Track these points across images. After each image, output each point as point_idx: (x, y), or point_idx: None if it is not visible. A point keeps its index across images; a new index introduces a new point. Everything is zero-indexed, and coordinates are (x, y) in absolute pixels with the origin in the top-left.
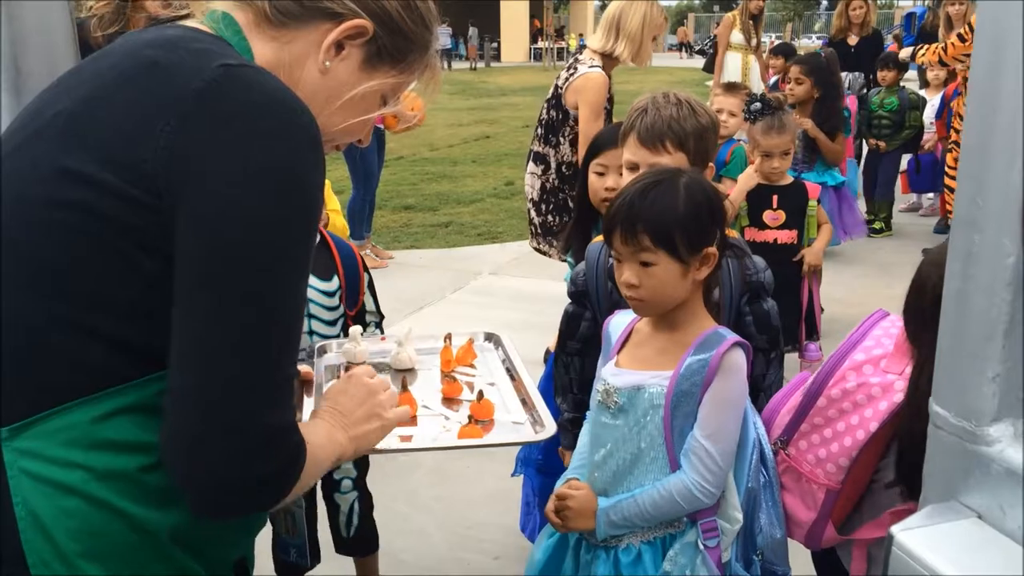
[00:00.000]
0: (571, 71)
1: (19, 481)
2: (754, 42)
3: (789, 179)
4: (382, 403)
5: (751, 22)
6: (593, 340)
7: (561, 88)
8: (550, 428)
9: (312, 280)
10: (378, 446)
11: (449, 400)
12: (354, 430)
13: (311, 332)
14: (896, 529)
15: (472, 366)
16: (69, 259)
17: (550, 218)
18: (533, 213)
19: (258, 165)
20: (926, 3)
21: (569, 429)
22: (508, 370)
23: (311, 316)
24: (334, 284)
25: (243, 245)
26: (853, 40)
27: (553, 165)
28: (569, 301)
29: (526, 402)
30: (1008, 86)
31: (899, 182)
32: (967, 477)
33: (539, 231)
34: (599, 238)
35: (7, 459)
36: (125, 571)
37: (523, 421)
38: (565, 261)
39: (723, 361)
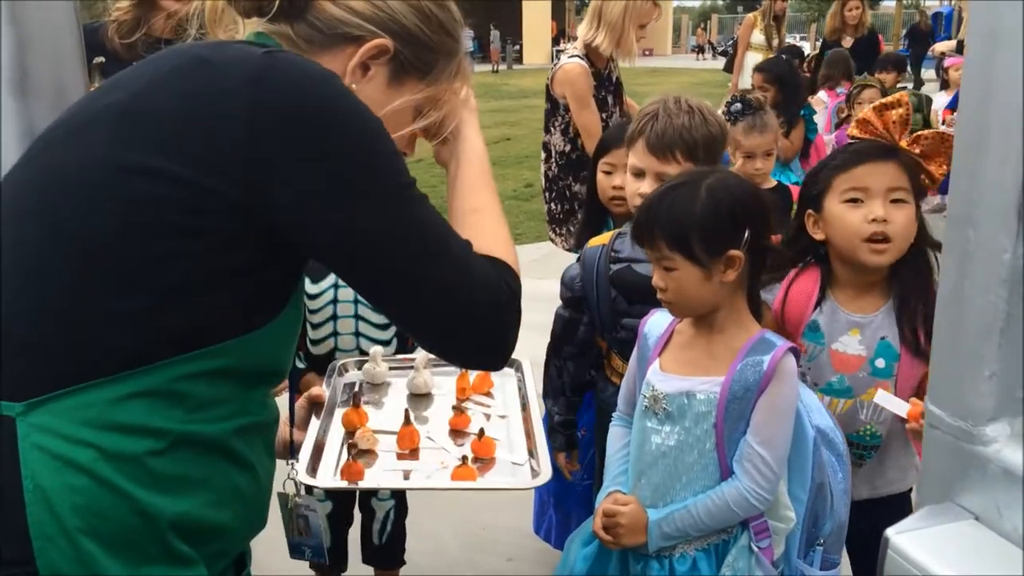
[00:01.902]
0: (556, 61)
1: (30, 455)
2: (775, 43)
3: (773, 182)
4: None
5: (774, 23)
6: (589, 344)
7: (549, 79)
8: (545, 475)
9: None
10: (373, 484)
11: (456, 432)
12: (472, 126)
13: (358, 334)
14: (891, 532)
15: (489, 395)
16: (111, 242)
17: (553, 206)
18: (544, 202)
19: (328, 131)
20: (952, 2)
21: (561, 431)
22: (523, 401)
23: (358, 317)
24: None
25: (358, 203)
26: (848, 42)
27: (553, 154)
28: (562, 305)
29: (530, 437)
30: (1003, 80)
31: None
32: (964, 478)
33: (547, 219)
34: (596, 240)
35: (20, 432)
36: (123, 552)
37: (522, 463)
38: (571, 252)
39: (778, 367)
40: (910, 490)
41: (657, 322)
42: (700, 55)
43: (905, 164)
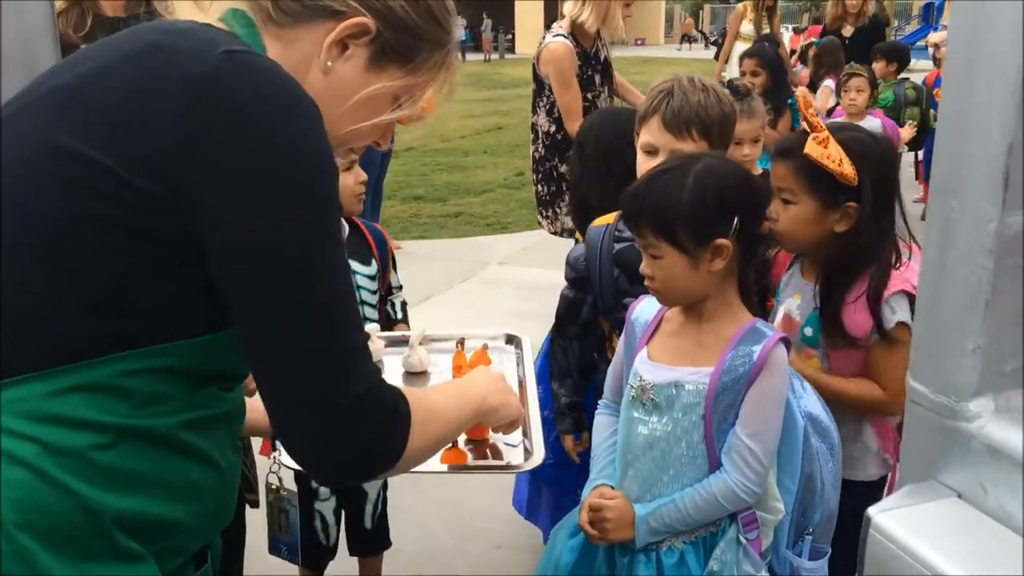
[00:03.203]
0: (542, 40)
1: None
2: (764, 34)
3: (759, 170)
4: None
5: (766, 13)
6: (593, 325)
7: (535, 59)
8: (538, 456)
9: (356, 266)
10: None
11: None
12: (497, 387)
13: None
14: (873, 511)
15: None
16: (48, 230)
17: (540, 188)
18: (532, 184)
19: (268, 151)
20: None
21: (568, 413)
22: (520, 379)
23: (362, 303)
24: (373, 268)
25: (270, 236)
26: (848, 31)
27: (540, 135)
28: (567, 285)
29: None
30: (987, 48)
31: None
32: (946, 455)
33: (535, 202)
34: (601, 220)
35: None
36: (63, 548)
37: (516, 443)
38: (556, 234)
39: (769, 357)
40: (876, 481)
41: (646, 308)
42: (684, 44)
43: (800, 164)
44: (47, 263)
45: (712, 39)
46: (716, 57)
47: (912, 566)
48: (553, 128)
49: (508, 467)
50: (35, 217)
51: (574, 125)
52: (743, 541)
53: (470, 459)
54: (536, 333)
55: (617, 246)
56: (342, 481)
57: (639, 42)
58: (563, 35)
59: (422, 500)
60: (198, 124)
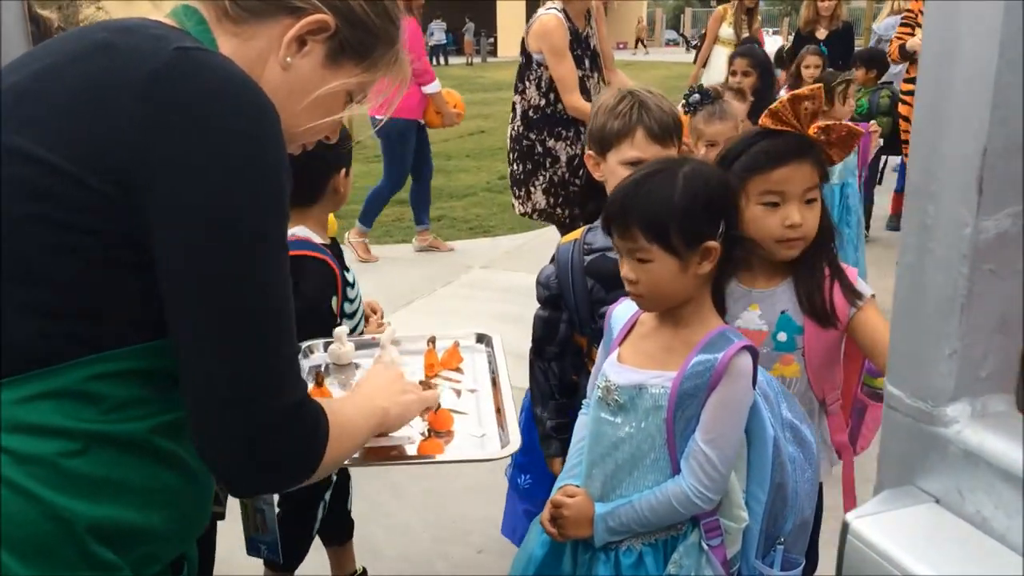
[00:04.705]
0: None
1: None
2: (745, 37)
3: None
4: (413, 384)
5: (745, 17)
6: (569, 342)
7: (525, 33)
8: (514, 443)
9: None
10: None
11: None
12: (396, 398)
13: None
14: (851, 516)
15: (459, 370)
16: (6, 234)
17: (515, 167)
18: (508, 164)
19: (221, 149)
20: None
21: (554, 436)
22: (492, 375)
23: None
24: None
25: (218, 234)
26: (822, 34)
27: (519, 112)
28: (540, 307)
29: (500, 411)
30: (962, 49)
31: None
32: (924, 460)
33: (509, 182)
34: (568, 237)
35: None
36: (35, 559)
37: (485, 434)
38: (526, 215)
39: (730, 365)
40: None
41: (622, 311)
42: (640, 48)
43: (817, 160)
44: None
45: (692, 43)
46: (696, 62)
47: (889, 571)
48: (543, 102)
49: (486, 459)
50: None
51: (570, 97)
52: (705, 547)
53: (445, 450)
54: (518, 336)
55: (587, 259)
56: (253, 492)
57: (620, 46)
58: (556, 9)
59: (403, 503)
60: (150, 122)
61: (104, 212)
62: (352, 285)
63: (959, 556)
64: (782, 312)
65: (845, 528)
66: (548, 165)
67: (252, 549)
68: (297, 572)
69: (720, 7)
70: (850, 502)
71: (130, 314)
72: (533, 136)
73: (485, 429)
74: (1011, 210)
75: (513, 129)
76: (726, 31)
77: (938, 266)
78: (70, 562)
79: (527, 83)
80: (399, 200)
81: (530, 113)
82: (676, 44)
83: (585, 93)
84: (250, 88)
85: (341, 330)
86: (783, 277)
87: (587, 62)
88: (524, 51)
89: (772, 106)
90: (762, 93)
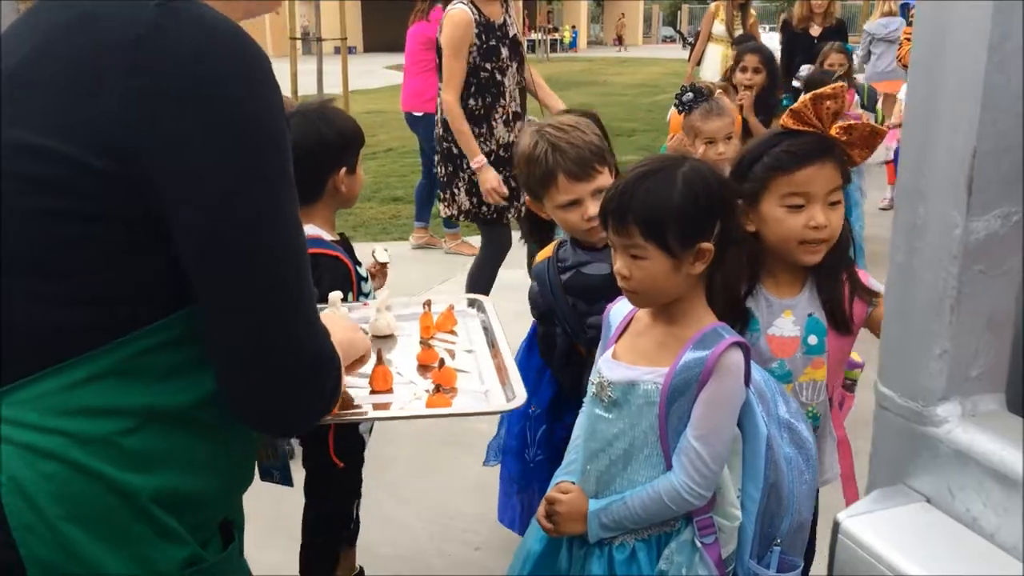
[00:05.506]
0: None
1: None
2: (738, 34)
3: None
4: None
5: (738, 13)
6: (570, 353)
7: (439, 30)
8: (520, 397)
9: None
10: (350, 416)
11: (424, 367)
12: (351, 344)
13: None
14: (842, 516)
15: (453, 332)
16: (19, 230)
17: (439, 170)
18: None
19: (219, 110)
20: None
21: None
22: (488, 337)
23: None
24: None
25: (228, 197)
26: (816, 31)
27: (438, 114)
28: (535, 322)
29: (501, 370)
30: (952, 51)
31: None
32: (915, 460)
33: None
34: (542, 255)
35: None
36: (107, 533)
37: (489, 390)
38: (452, 217)
39: (720, 361)
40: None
41: (620, 309)
42: (620, 46)
43: (839, 161)
44: (17, 258)
45: (689, 39)
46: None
47: (880, 570)
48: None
49: (488, 411)
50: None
51: (448, 94)
52: (698, 544)
53: (454, 404)
54: (515, 332)
55: (563, 277)
56: (290, 433)
57: (616, 43)
58: (464, 3)
59: (400, 501)
60: (145, 95)
61: (116, 193)
62: (365, 279)
63: (949, 555)
64: (809, 315)
65: (836, 527)
66: (465, 166)
67: (265, 475)
68: (292, 575)
69: (713, 4)
70: (851, 493)
71: (158, 287)
72: (450, 138)
73: (487, 385)
74: (1000, 211)
75: (436, 130)
76: (719, 28)
77: (928, 266)
78: (137, 534)
79: (440, 81)
80: (394, 198)
81: (444, 114)
82: (672, 40)
83: (504, 83)
84: (239, 38)
85: (335, 295)
86: (804, 281)
87: (504, 51)
88: (437, 47)
89: (794, 106)
90: (768, 91)
